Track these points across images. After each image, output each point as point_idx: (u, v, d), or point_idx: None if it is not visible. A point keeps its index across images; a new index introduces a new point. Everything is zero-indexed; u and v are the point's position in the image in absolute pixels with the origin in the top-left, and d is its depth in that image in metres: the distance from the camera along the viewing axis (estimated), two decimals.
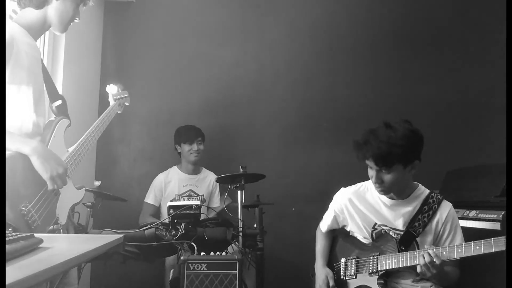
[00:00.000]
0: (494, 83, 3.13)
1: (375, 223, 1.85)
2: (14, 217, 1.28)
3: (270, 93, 3.27)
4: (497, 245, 1.47)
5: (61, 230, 1.52)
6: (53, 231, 1.44)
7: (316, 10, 3.32)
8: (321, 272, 1.94)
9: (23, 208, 1.33)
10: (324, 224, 2.04)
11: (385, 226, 1.83)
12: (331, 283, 1.87)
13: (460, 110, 3.21)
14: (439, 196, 1.82)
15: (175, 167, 2.98)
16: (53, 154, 1.49)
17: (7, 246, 0.81)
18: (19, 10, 1.64)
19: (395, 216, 1.82)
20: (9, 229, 1.21)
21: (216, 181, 2.34)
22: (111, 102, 2.22)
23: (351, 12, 3.33)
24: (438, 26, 3.32)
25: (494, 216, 2.12)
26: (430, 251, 1.60)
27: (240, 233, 1.98)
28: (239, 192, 2.11)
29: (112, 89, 2.24)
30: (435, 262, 1.57)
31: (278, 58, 3.29)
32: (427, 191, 1.85)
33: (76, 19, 1.72)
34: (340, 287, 1.89)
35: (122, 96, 2.25)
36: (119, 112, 2.21)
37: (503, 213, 2.08)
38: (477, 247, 1.52)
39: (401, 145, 1.66)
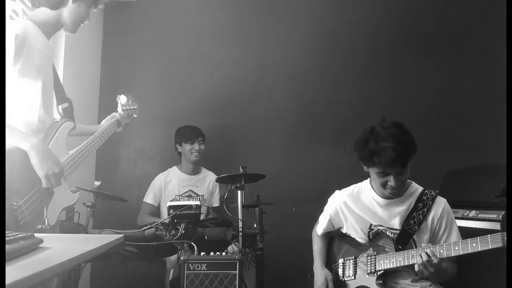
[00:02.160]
0: (494, 83, 3.13)
1: (371, 224, 1.86)
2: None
3: (270, 93, 3.27)
4: (494, 242, 1.47)
5: (49, 232, 1.51)
6: (41, 230, 1.44)
7: (316, 11, 3.33)
8: (320, 273, 1.94)
9: (14, 203, 1.33)
10: (320, 228, 2.05)
11: (381, 226, 1.84)
12: (330, 285, 1.87)
13: (460, 110, 3.21)
14: (433, 193, 1.83)
15: (175, 167, 2.98)
16: (51, 153, 1.50)
17: (7, 246, 0.81)
18: (17, 18, 1.66)
19: (390, 215, 1.83)
20: None
21: (216, 181, 2.34)
22: (120, 111, 2.22)
23: (351, 12, 3.33)
24: (438, 27, 3.32)
25: (494, 216, 2.12)
26: (428, 250, 1.60)
27: (240, 233, 1.98)
28: (239, 192, 2.11)
29: (122, 99, 2.25)
30: (432, 260, 1.58)
31: (278, 58, 3.29)
32: (421, 188, 1.86)
33: (86, 21, 1.73)
34: None
35: (132, 107, 2.24)
36: (119, 130, 2.17)
37: (503, 213, 2.08)
38: (474, 245, 1.53)
39: (410, 142, 1.70)
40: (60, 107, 1.74)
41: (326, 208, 2.05)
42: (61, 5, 1.63)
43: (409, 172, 1.75)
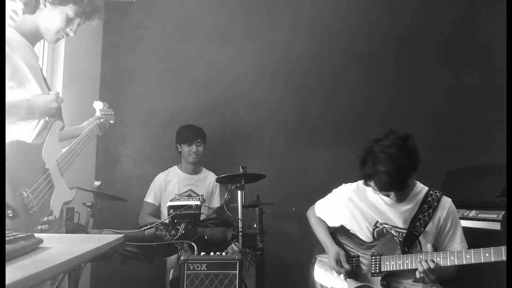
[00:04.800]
0: (494, 83, 3.14)
1: (377, 221, 1.85)
2: (14, 200, 1.33)
3: (270, 93, 3.27)
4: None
5: (55, 223, 1.57)
6: (47, 222, 1.49)
7: (316, 10, 3.32)
8: (332, 250, 1.89)
9: (23, 192, 1.37)
10: (321, 212, 2.04)
11: (386, 224, 1.84)
12: (343, 260, 1.83)
13: (460, 110, 3.21)
14: (437, 193, 1.82)
15: (175, 166, 2.98)
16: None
17: (7, 246, 0.81)
18: (17, 18, 1.69)
19: (395, 214, 1.82)
20: (9, 211, 1.28)
21: (216, 181, 2.34)
22: (99, 116, 2.25)
23: (351, 12, 3.32)
24: (439, 28, 3.32)
25: (494, 216, 2.12)
26: (428, 261, 1.60)
27: (240, 233, 1.98)
28: (239, 192, 2.11)
29: (98, 105, 2.27)
30: (434, 270, 1.58)
31: (278, 58, 3.29)
32: (426, 188, 1.85)
33: (70, 33, 1.72)
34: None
35: (108, 113, 2.26)
36: (100, 134, 2.18)
37: (503, 213, 2.09)
38: (487, 254, 1.49)
39: (409, 164, 1.65)
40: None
41: (331, 198, 2.03)
42: (37, 8, 1.64)
43: (413, 181, 1.75)
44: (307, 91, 3.26)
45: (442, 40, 3.30)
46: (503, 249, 1.44)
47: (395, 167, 1.59)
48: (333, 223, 2.00)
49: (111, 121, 2.30)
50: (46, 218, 1.49)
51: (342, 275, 1.86)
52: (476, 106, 3.20)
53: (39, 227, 1.42)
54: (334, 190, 2.04)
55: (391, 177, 1.60)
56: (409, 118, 3.15)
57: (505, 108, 1.94)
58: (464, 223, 2.24)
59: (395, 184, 1.64)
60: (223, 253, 1.75)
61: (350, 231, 1.95)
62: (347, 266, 1.82)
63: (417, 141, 1.72)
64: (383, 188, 1.68)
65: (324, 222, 2.03)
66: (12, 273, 0.68)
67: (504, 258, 1.44)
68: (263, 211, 2.09)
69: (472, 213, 2.27)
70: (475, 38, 3.27)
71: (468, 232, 1.86)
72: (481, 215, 2.21)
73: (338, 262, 1.85)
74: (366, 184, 1.73)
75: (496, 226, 2.08)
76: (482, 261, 1.49)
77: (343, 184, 2.02)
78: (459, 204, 2.32)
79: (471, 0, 3.33)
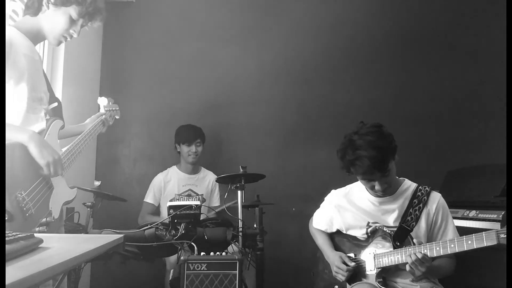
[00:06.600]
0: (494, 83, 3.13)
1: (368, 222, 1.87)
2: (10, 203, 1.32)
3: (270, 93, 3.27)
4: (489, 239, 1.48)
5: (54, 224, 1.55)
6: (46, 223, 1.47)
7: (317, 10, 3.32)
8: (332, 255, 1.92)
9: (18, 195, 1.36)
10: (318, 225, 2.07)
11: (377, 223, 1.86)
12: (347, 260, 1.85)
13: (460, 111, 3.21)
14: (427, 188, 1.84)
15: (175, 166, 2.99)
16: (47, 143, 1.55)
17: (7, 246, 0.81)
18: (18, 18, 1.67)
19: (384, 213, 1.85)
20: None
21: (216, 181, 2.34)
22: (103, 112, 2.24)
23: (351, 12, 3.33)
24: (439, 28, 3.32)
25: (494, 216, 2.12)
26: (417, 253, 1.61)
27: (240, 233, 1.98)
28: (239, 192, 2.11)
29: (103, 101, 2.26)
30: (423, 262, 1.59)
31: (278, 58, 3.29)
32: (414, 184, 1.87)
33: (74, 35, 1.71)
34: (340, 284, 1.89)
35: (113, 108, 2.26)
36: (103, 131, 2.17)
37: (503, 213, 2.08)
38: (469, 242, 1.54)
39: (387, 147, 1.70)
40: (49, 107, 1.76)
41: (323, 206, 2.07)
42: (39, 10, 1.63)
43: (394, 170, 1.77)
44: (307, 91, 3.26)
45: (442, 41, 3.29)
46: (484, 234, 1.49)
47: (375, 150, 1.66)
48: (330, 229, 2.02)
49: (117, 117, 2.29)
50: (45, 219, 1.47)
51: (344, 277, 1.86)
52: (476, 106, 3.19)
53: (37, 229, 1.41)
54: (326, 198, 2.08)
55: (373, 159, 1.65)
56: (410, 118, 3.15)
57: (505, 108, 1.94)
58: (464, 223, 2.24)
59: (377, 166, 1.67)
60: (223, 253, 1.75)
61: (346, 232, 1.96)
62: (352, 264, 1.84)
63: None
64: (366, 172, 1.71)
65: (323, 232, 2.06)
66: (12, 273, 0.68)
67: (485, 243, 1.48)
68: (263, 211, 2.09)
69: (472, 213, 2.27)
70: (476, 39, 3.27)
71: (469, 232, 1.85)
72: (481, 215, 2.21)
73: (342, 264, 1.85)
74: (348, 173, 1.77)
75: (496, 226, 2.07)
76: (466, 249, 1.54)
77: (332, 190, 2.06)
78: (459, 204, 2.33)
79: (471, 0, 3.33)
